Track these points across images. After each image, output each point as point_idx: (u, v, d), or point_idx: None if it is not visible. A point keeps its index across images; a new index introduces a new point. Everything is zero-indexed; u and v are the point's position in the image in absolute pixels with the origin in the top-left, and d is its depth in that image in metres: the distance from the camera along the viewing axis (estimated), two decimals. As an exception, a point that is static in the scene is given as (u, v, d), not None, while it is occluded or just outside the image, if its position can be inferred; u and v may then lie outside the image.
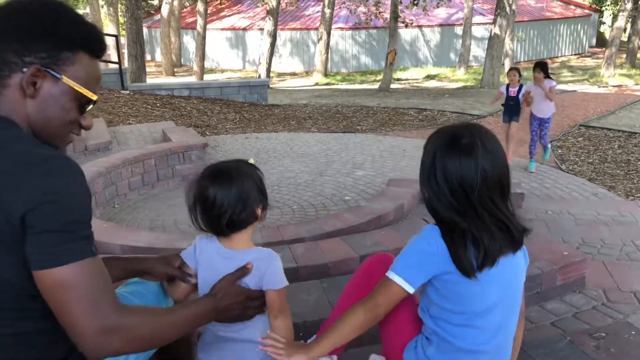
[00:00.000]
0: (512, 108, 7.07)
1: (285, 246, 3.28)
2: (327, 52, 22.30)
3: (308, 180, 5.78)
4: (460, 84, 19.13)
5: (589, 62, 25.85)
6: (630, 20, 23.02)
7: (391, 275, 1.51)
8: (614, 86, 18.03)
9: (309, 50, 25.50)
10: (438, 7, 21.22)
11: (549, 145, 7.43)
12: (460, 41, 22.86)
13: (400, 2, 17.53)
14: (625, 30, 23.86)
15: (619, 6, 22.46)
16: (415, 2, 18.86)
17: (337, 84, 20.76)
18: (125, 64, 14.38)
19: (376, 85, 18.24)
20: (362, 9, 22.30)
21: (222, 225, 1.56)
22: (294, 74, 24.67)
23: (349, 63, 25.28)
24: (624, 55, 22.74)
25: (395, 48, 17.27)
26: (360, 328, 1.57)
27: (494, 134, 1.55)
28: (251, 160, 1.66)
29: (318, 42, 22.13)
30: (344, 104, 13.85)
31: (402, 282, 1.50)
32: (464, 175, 1.45)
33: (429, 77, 22.15)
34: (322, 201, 5.07)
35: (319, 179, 5.85)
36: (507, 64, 19.23)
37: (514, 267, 1.56)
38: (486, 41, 18.58)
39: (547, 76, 6.87)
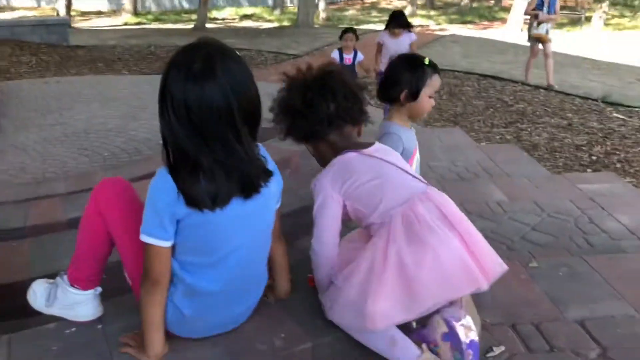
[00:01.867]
0: None
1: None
2: (135, -11, 20.76)
3: (120, 125, 5.42)
4: (276, 24, 19.15)
5: (396, 3, 27.47)
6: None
7: (144, 238, 1.44)
8: (416, 26, 19.42)
9: (115, -14, 23.49)
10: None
11: None
12: (276, -20, 22.76)
13: (211, -63, 16.82)
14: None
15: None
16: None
17: (149, 24, 19.52)
18: None
19: (191, 25, 17.52)
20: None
21: None
22: (99, 13, 22.62)
23: (161, 2, 23.85)
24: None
25: (208, -15, 16.65)
26: (162, 303, 1.50)
27: (240, 57, 1.42)
28: (426, 61, 2.00)
29: (124, -22, 20.48)
30: (157, 44, 13.08)
31: (156, 241, 1.44)
32: (192, 104, 1.34)
33: (245, 17, 21.81)
34: (135, 146, 4.80)
35: (131, 123, 5.51)
36: (321, 5, 19.70)
37: (259, 205, 1.51)
38: (299, -19, 18.69)
39: (408, 28, 5.50)
